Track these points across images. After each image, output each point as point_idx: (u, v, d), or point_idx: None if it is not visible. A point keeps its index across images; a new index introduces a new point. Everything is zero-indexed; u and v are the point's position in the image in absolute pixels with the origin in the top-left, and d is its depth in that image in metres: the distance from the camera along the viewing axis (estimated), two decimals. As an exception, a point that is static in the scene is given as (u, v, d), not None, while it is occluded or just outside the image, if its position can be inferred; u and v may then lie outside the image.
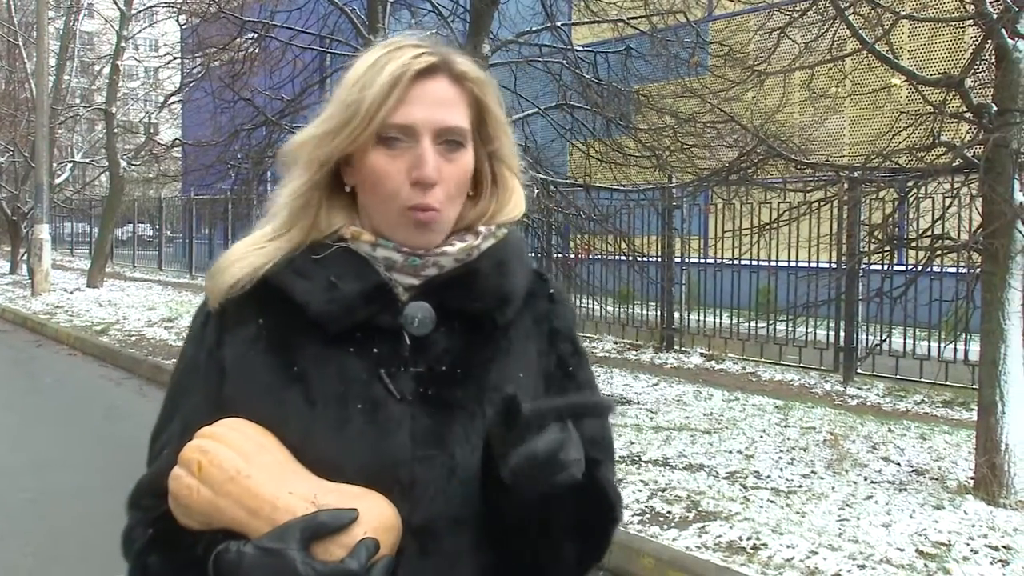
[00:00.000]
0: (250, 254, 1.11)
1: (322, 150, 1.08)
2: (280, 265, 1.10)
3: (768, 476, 5.07)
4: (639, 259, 8.90)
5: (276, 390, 1.06)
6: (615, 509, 1.15)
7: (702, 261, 10.19)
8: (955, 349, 7.28)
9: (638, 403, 7.19)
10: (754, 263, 8.61)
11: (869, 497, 4.65)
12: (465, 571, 1.07)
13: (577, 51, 8.97)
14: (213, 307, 1.12)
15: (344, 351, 1.08)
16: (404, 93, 1.07)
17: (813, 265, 7.17)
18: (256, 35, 9.09)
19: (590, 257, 9.66)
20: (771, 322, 8.70)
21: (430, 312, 1.09)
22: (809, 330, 8.24)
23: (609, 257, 9.51)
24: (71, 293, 16.19)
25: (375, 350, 1.08)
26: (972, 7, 4.81)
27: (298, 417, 1.05)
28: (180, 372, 1.15)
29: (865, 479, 5.01)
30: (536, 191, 8.38)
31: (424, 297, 1.10)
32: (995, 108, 4.66)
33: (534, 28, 8.88)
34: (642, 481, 4.95)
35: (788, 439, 5.98)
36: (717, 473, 5.15)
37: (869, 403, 7.35)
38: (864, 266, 7.40)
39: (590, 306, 10.67)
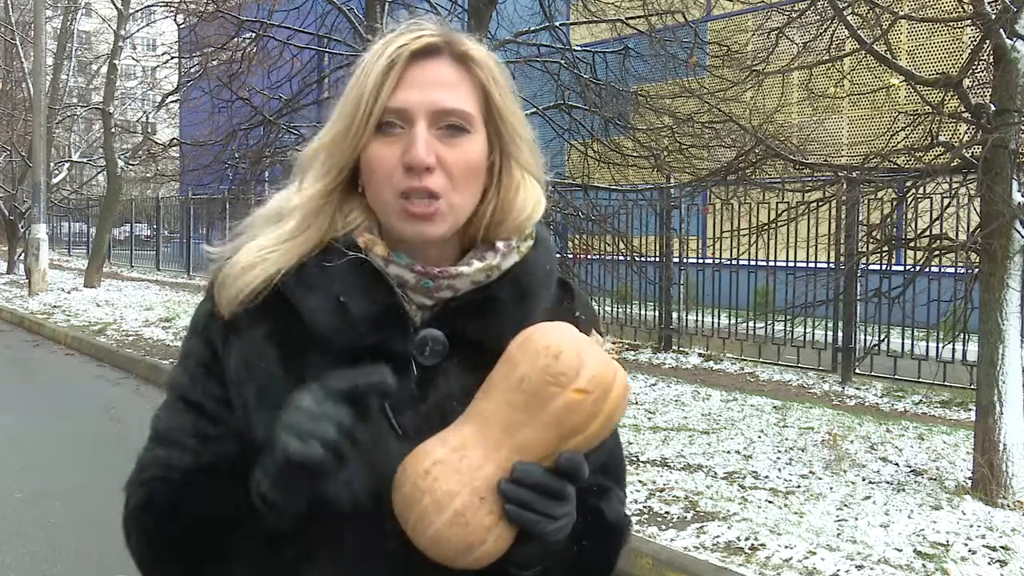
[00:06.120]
0: (261, 260, 1.05)
1: (335, 157, 1.04)
2: (291, 274, 1.04)
3: (766, 476, 5.07)
4: (637, 259, 8.89)
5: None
6: (623, 535, 1.15)
7: (700, 261, 10.19)
8: (953, 349, 7.27)
9: (636, 403, 7.18)
10: (752, 263, 8.61)
11: (867, 497, 4.65)
12: None
13: (575, 51, 8.95)
14: (223, 315, 1.07)
15: None
16: (400, 76, 1.02)
17: (811, 265, 7.17)
18: (254, 34, 9.06)
19: (588, 257, 9.65)
20: (769, 322, 8.72)
21: (443, 341, 1.04)
22: (807, 330, 8.26)
23: (607, 257, 9.51)
24: (68, 293, 16.17)
25: None
26: (970, 7, 4.81)
27: None
28: (184, 368, 1.10)
29: (863, 479, 5.01)
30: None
31: (437, 322, 1.05)
32: (993, 108, 4.66)
33: (532, 28, 8.86)
34: (640, 481, 4.94)
35: (786, 439, 5.97)
36: (715, 473, 5.14)
37: (867, 403, 7.35)
38: (862, 266, 7.40)
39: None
